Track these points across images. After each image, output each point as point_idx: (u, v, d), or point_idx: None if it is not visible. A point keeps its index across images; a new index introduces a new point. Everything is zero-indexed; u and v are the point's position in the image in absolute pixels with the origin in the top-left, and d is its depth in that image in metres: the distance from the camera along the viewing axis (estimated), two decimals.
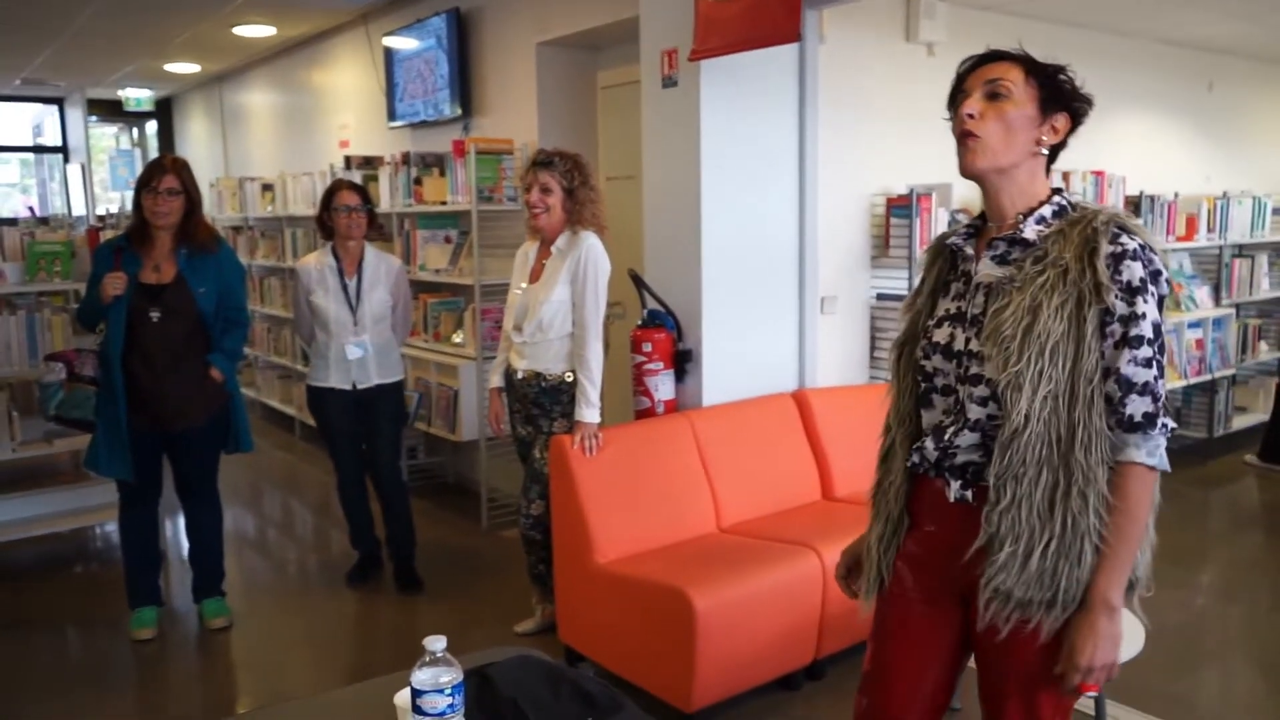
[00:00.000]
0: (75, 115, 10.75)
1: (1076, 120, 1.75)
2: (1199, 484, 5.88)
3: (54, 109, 11.03)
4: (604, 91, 5.23)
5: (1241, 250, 6.42)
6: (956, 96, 1.77)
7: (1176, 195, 5.85)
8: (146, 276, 3.63)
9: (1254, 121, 7.12)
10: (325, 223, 4.17)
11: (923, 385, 1.81)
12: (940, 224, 4.54)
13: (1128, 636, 2.68)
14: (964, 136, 1.71)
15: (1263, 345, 6.67)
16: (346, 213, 4.10)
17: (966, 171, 1.73)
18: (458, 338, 5.40)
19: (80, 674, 3.61)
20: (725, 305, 3.83)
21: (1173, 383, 5.83)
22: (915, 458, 1.81)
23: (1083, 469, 1.61)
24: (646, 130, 3.96)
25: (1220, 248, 6.21)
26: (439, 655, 1.38)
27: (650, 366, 3.73)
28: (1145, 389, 1.61)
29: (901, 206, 4.44)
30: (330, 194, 4.17)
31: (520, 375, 3.58)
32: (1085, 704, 2.92)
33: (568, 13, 4.87)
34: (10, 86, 9.68)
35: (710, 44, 3.55)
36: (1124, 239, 1.62)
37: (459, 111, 5.65)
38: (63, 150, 11.13)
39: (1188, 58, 6.36)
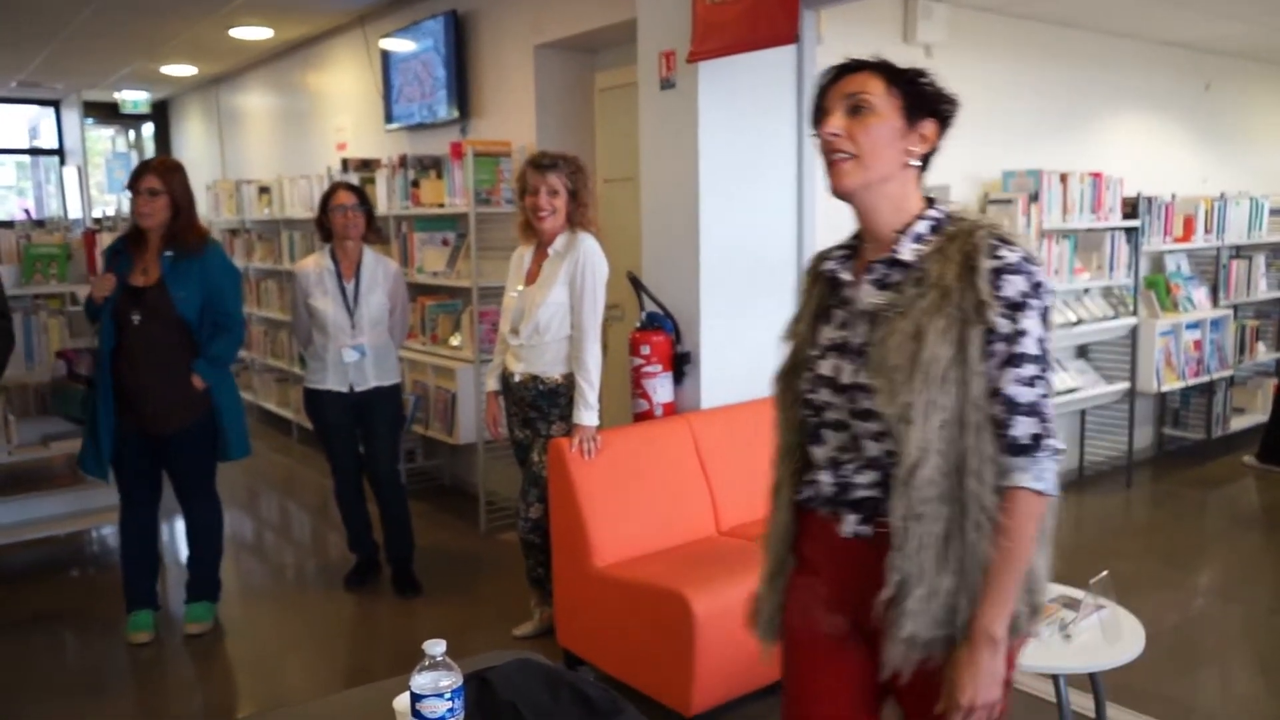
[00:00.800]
0: (72, 117, 10.74)
1: (945, 123, 1.68)
2: (1197, 485, 5.88)
3: (50, 111, 11.01)
4: (602, 93, 5.23)
5: (1239, 251, 6.43)
6: (818, 115, 1.68)
7: (1174, 196, 5.85)
8: (135, 279, 3.64)
9: (1251, 122, 7.12)
10: (324, 224, 4.18)
11: (811, 420, 1.71)
12: None
13: (1128, 639, 2.69)
14: (830, 156, 1.64)
15: (1260, 346, 6.67)
16: (342, 212, 4.10)
17: (837, 192, 1.65)
18: (455, 340, 5.39)
19: (77, 677, 3.60)
20: (724, 308, 3.82)
21: (1170, 384, 5.84)
22: (808, 492, 1.72)
23: (977, 499, 1.53)
24: (644, 132, 3.95)
25: (1218, 249, 6.21)
26: (438, 659, 1.38)
27: (648, 369, 3.72)
28: (1031, 410, 1.53)
29: None
30: (327, 195, 4.20)
31: (517, 378, 3.58)
32: (1086, 705, 2.92)
33: (565, 15, 4.87)
34: (6, 89, 9.67)
35: (708, 46, 3.54)
36: (1003, 252, 1.54)
37: (456, 114, 5.65)
38: (59, 153, 11.11)
39: (1185, 58, 6.37)
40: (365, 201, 4.20)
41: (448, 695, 1.36)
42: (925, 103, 1.65)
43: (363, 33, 6.60)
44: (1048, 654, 2.61)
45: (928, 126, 1.65)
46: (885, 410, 1.56)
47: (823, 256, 1.77)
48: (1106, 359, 5.76)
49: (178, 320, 3.62)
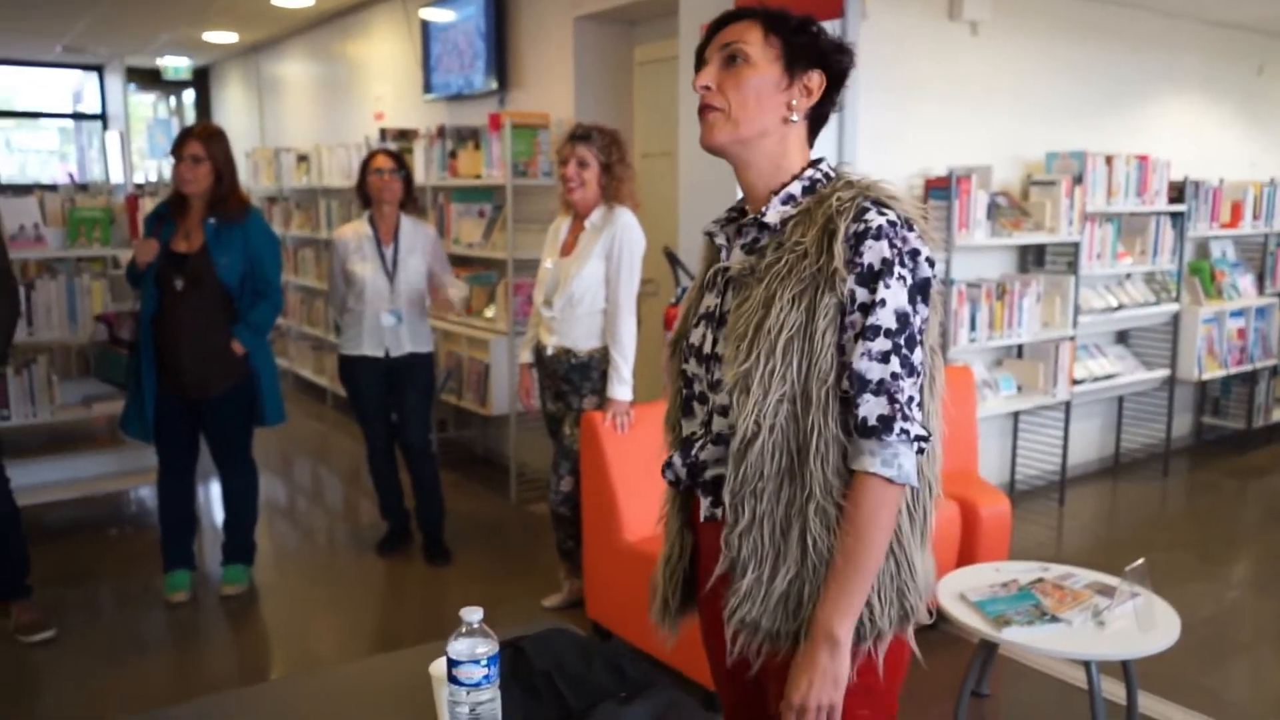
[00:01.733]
0: (115, 83, 10.83)
1: (837, 77, 1.53)
2: (1235, 475, 5.79)
3: (94, 76, 11.12)
4: (641, 67, 5.20)
5: None
6: (697, 66, 1.56)
7: (1222, 181, 5.74)
8: (178, 245, 3.67)
9: None
10: (362, 189, 4.20)
11: (684, 392, 1.63)
12: (980, 206, 4.49)
13: (1163, 627, 2.66)
14: (701, 110, 1.52)
15: None
16: (379, 175, 4.12)
17: (705, 146, 1.53)
18: (490, 312, 5.41)
19: (115, 635, 3.67)
20: None
21: (1212, 372, 5.74)
22: (669, 474, 1.64)
23: (820, 482, 1.42)
24: (684, 107, 3.92)
25: (1266, 236, 6.09)
26: (475, 626, 1.39)
27: None
28: (880, 388, 1.38)
29: (940, 188, 4.38)
30: (366, 161, 4.23)
31: (550, 351, 3.58)
32: (1118, 693, 2.90)
33: None
34: (51, 53, 9.77)
35: None
36: (870, 215, 1.41)
37: (495, 85, 5.64)
38: (102, 118, 11.23)
39: (1237, 40, 6.22)
40: (403, 167, 4.21)
41: (484, 662, 1.37)
42: (808, 54, 1.50)
43: (403, 2, 6.59)
44: (1081, 640, 2.59)
45: (812, 78, 1.51)
46: (725, 379, 1.47)
47: (716, 221, 1.65)
48: (1147, 345, 5.68)
49: (220, 286, 3.65)
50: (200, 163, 3.61)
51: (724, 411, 1.51)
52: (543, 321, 3.63)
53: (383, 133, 6.32)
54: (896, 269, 1.39)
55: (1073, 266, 4.93)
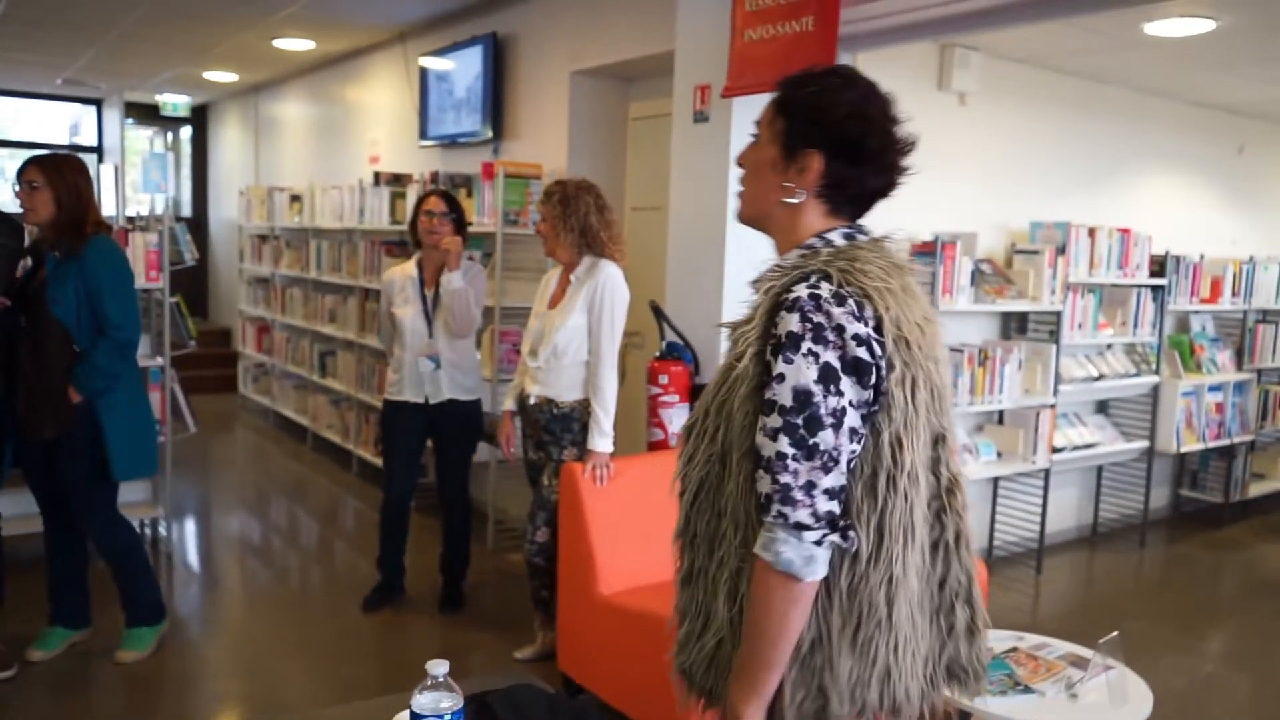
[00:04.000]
0: (113, 117, 10.90)
1: (843, 152, 1.46)
2: (1212, 548, 5.80)
3: (92, 110, 11.19)
4: (635, 123, 5.27)
5: (1265, 316, 6.38)
6: None
7: (1202, 257, 5.83)
8: (35, 279, 3.46)
9: None
10: (414, 230, 4.15)
11: None
12: (964, 272, 4.54)
13: (1135, 701, 2.65)
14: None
15: None
16: (429, 217, 4.05)
17: (739, 220, 1.61)
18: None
19: (71, 677, 3.60)
20: None
21: (1190, 445, 5.78)
22: None
23: (735, 551, 1.41)
24: (675, 163, 3.98)
25: (1244, 312, 6.17)
26: (440, 680, 1.38)
27: (666, 399, 3.73)
28: (767, 465, 1.33)
29: (925, 253, 4.44)
30: (421, 201, 4.16)
31: (533, 400, 3.59)
32: None
33: (604, 44, 4.92)
34: (51, 85, 9.84)
35: (744, 82, 3.57)
36: (798, 287, 1.37)
37: (490, 134, 5.70)
38: (98, 150, 11.27)
39: (1219, 120, 6.36)
40: (455, 209, 4.13)
41: (448, 717, 1.36)
42: (806, 134, 1.46)
43: (403, 49, 6.68)
44: (1053, 712, 2.58)
45: (810, 160, 1.45)
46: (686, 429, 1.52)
47: None
48: (1126, 416, 5.72)
49: (55, 324, 3.37)
50: (37, 190, 3.40)
51: None
52: (528, 371, 3.64)
53: (377, 176, 6.37)
54: (804, 344, 1.33)
55: (1054, 335, 4.98)
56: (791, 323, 1.34)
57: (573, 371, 3.51)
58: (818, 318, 1.33)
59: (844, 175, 1.47)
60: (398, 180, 6.18)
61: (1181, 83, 5.65)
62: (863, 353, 1.34)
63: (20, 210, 3.48)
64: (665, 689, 3.12)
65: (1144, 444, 5.62)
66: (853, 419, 1.34)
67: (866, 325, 1.35)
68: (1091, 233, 5.13)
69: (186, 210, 11.62)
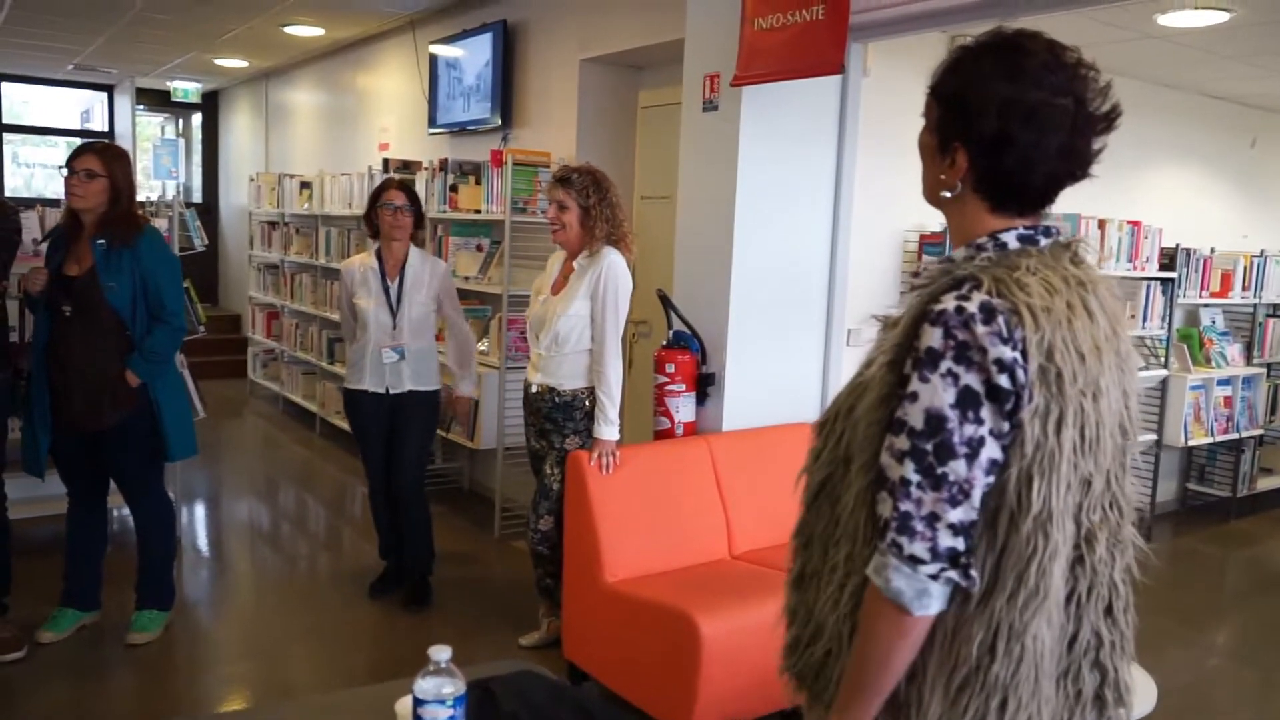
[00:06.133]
0: (124, 103, 10.91)
1: (992, 149, 1.31)
2: (1219, 543, 5.79)
3: (103, 96, 11.21)
4: (644, 111, 5.26)
5: (1276, 310, 6.35)
6: None
7: (1213, 250, 5.80)
8: (69, 268, 3.47)
9: None
10: (372, 220, 4.12)
11: None
12: None
13: (1138, 695, 2.65)
14: None
15: None
16: (391, 210, 4.03)
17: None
18: (483, 346, 5.42)
19: (82, 660, 3.63)
20: (752, 331, 3.83)
21: (1198, 439, 5.76)
22: None
23: (844, 565, 1.35)
24: (684, 152, 3.97)
25: (1254, 306, 6.14)
26: (443, 666, 1.39)
27: (672, 388, 3.73)
28: (890, 489, 1.24)
29: (934, 244, 4.43)
30: (378, 192, 4.14)
31: (534, 389, 3.59)
32: None
33: (613, 32, 4.91)
34: (63, 71, 9.86)
35: (753, 71, 3.56)
36: (946, 297, 1.25)
37: (499, 122, 5.70)
38: (109, 136, 11.30)
39: (1232, 113, 6.32)
40: (415, 201, 4.13)
41: (450, 703, 1.37)
42: (951, 125, 1.35)
43: (413, 36, 6.68)
44: None
45: (956, 156, 1.34)
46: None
47: None
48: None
49: (109, 312, 3.41)
50: (95, 178, 3.40)
51: None
52: (530, 358, 3.64)
53: (386, 163, 6.37)
54: (943, 363, 1.21)
55: None
56: (933, 338, 1.22)
57: (575, 359, 3.51)
58: (962, 335, 1.21)
59: (999, 171, 1.32)
60: (407, 167, 6.17)
61: (1195, 75, 5.61)
62: (1004, 380, 1.21)
63: (65, 196, 3.47)
64: (668, 676, 3.14)
65: (1152, 437, 5.61)
66: (992, 450, 1.22)
67: (1014, 348, 1.22)
68: (1102, 225, 5.11)
69: (197, 196, 11.64)
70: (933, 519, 1.21)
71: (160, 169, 11.32)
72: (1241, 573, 5.46)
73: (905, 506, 1.21)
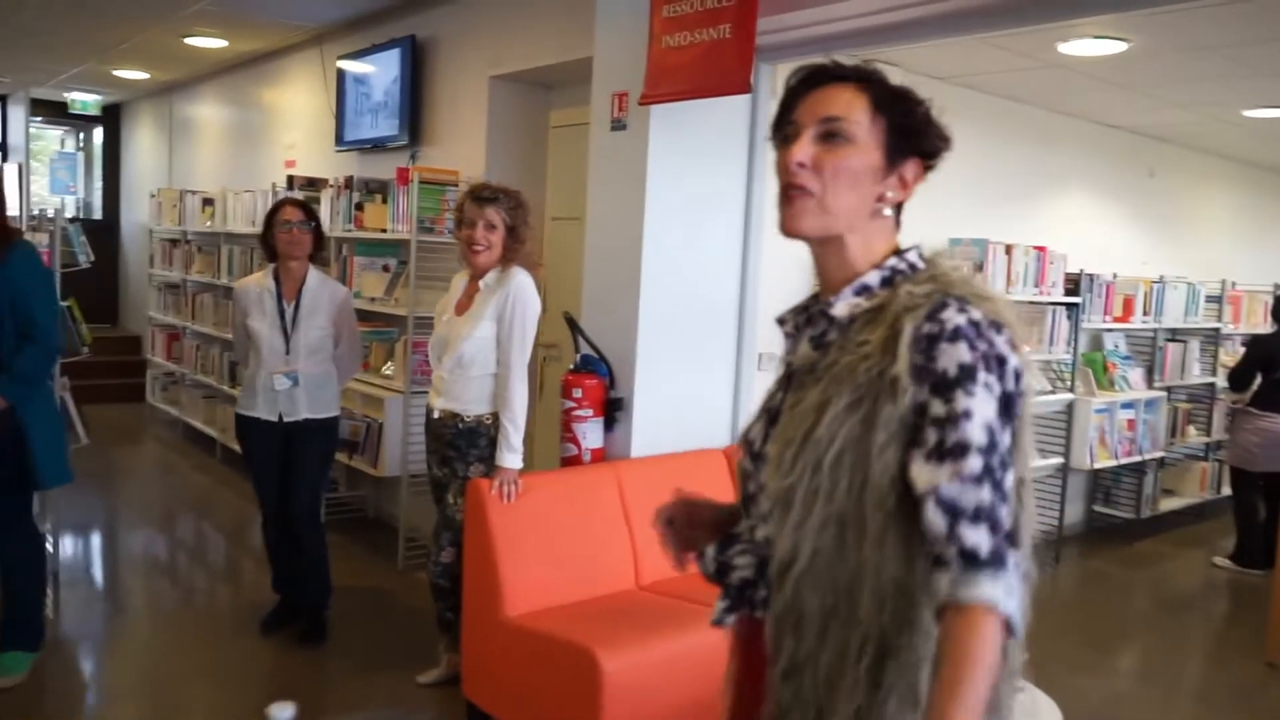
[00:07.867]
0: (17, 113, 10.46)
1: (930, 164, 1.35)
2: (1124, 564, 5.89)
3: None
4: (555, 131, 5.18)
5: (1175, 335, 6.53)
6: (783, 124, 1.37)
7: (1115, 276, 5.93)
8: None
9: (1192, 211, 7.29)
10: (268, 241, 3.92)
11: (740, 487, 1.44)
12: None
13: (1043, 718, 2.63)
14: (786, 190, 1.33)
15: (1192, 429, 6.76)
16: (288, 229, 3.84)
17: (788, 233, 1.34)
18: (388, 369, 5.26)
19: None
20: (661, 355, 3.75)
21: (1103, 461, 5.87)
22: (700, 565, 1.47)
23: (882, 630, 1.21)
24: (592, 171, 3.90)
25: (1155, 330, 6.30)
26: None
27: (579, 413, 3.63)
28: (979, 515, 1.15)
29: None
30: (273, 210, 3.94)
31: (436, 414, 3.45)
32: None
33: (523, 49, 4.82)
34: None
35: (661, 89, 3.51)
36: (948, 314, 1.20)
37: (408, 139, 5.56)
38: (1, 149, 10.80)
39: (1131, 143, 6.50)
40: (313, 218, 3.95)
41: None
42: (910, 138, 1.33)
43: (319, 51, 6.50)
44: None
45: (910, 169, 1.33)
46: (769, 486, 1.30)
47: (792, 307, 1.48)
48: (1041, 433, 5.78)
49: None
50: None
51: (765, 519, 1.34)
52: (433, 381, 3.51)
53: (290, 180, 6.18)
54: (981, 375, 1.18)
55: None
56: (961, 354, 1.18)
57: (480, 383, 3.38)
58: (982, 345, 1.20)
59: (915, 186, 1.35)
60: (312, 185, 5.99)
61: (1096, 104, 5.75)
62: (1014, 387, 1.22)
63: None
64: (570, 715, 3.01)
65: (1059, 460, 5.69)
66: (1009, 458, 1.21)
67: (1019, 357, 1.23)
68: (1009, 250, 5.18)
69: (98, 213, 11.18)
70: (1008, 537, 1.19)
71: (58, 184, 10.85)
72: (1145, 594, 5.56)
73: (1002, 525, 1.17)
